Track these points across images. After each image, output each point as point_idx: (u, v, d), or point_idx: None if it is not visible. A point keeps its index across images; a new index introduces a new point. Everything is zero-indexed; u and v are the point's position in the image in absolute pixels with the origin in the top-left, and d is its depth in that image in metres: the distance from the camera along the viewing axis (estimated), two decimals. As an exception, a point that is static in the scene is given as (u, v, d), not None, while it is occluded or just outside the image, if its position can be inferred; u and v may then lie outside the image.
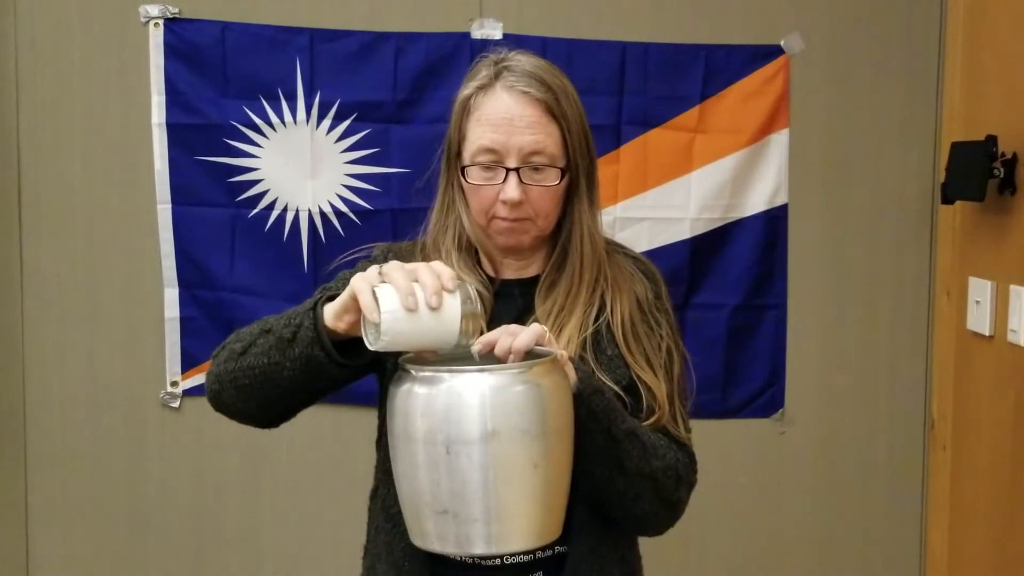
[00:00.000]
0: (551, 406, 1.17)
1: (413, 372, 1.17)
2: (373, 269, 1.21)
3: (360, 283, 1.19)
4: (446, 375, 1.15)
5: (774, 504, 2.72)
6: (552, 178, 1.40)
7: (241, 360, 1.31)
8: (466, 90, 1.43)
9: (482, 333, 1.29)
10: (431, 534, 1.18)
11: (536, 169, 1.39)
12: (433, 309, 1.16)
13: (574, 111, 1.42)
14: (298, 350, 1.26)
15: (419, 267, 1.19)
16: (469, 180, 1.41)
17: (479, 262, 1.49)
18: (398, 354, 1.41)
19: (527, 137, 1.37)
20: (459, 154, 1.44)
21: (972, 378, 2.26)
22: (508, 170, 1.38)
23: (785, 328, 2.68)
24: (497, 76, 1.41)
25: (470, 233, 1.47)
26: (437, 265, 1.20)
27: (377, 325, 1.16)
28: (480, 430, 1.12)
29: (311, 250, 2.62)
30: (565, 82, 1.43)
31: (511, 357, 1.19)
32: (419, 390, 1.16)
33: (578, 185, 1.45)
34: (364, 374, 1.42)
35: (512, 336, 1.20)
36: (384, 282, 1.19)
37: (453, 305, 1.18)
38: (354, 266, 1.51)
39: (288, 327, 1.27)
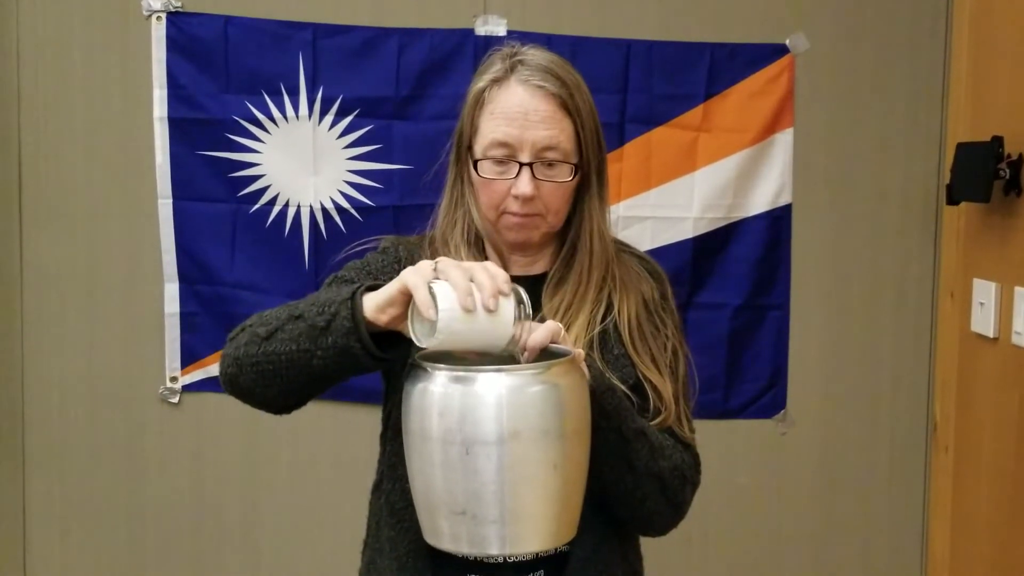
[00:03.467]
0: (570, 406, 1.16)
1: (429, 370, 1.16)
2: (427, 264, 1.17)
3: (414, 278, 1.15)
4: (463, 374, 1.13)
5: (775, 505, 2.71)
6: (565, 174, 1.39)
7: (265, 345, 1.26)
8: (480, 83, 1.42)
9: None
10: (445, 533, 1.17)
11: (549, 165, 1.38)
12: (490, 311, 1.14)
13: (587, 107, 1.42)
14: (331, 339, 1.20)
15: (475, 267, 1.16)
16: (481, 174, 1.40)
17: (486, 258, 1.48)
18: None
19: (541, 132, 1.36)
20: (470, 147, 1.43)
21: (976, 380, 2.24)
22: (521, 165, 1.37)
23: (788, 329, 2.67)
24: (512, 69, 1.40)
25: (479, 227, 1.46)
26: (491, 266, 1.17)
27: (431, 323, 1.13)
28: (498, 431, 1.11)
29: (312, 246, 2.61)
30: (578, 78, 1.43)
31: (526, 354, 1.18)
32: (435, 389, 1.14)
33: (589, 182, 1.44)
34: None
35: (527, 333, 1.19)
36: (438, 279, 1.16)
37: (508, 308, 1.15)
38: (362, 258, 1.49)
39: (322, 315, 1.21)
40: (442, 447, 1.13)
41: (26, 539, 2.70)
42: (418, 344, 1.16)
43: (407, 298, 1.16)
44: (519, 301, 1.17)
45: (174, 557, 2.70)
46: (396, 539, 1.40)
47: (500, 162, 1.38)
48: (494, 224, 1.43)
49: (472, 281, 1.14)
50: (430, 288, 1.14)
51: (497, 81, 1.40)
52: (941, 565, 2.42)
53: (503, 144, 1.37)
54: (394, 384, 1.42)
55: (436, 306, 1.13)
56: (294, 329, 1.24)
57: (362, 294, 1.21)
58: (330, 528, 2.67)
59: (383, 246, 1.52)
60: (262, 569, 2.72)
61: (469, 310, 1.13)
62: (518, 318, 1.16)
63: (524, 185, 1.36)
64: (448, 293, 1.13)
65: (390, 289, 1.18)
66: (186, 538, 2.70)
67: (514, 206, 1.38)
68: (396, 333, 1.20)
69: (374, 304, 1.19)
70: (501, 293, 1.14)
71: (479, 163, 1.40)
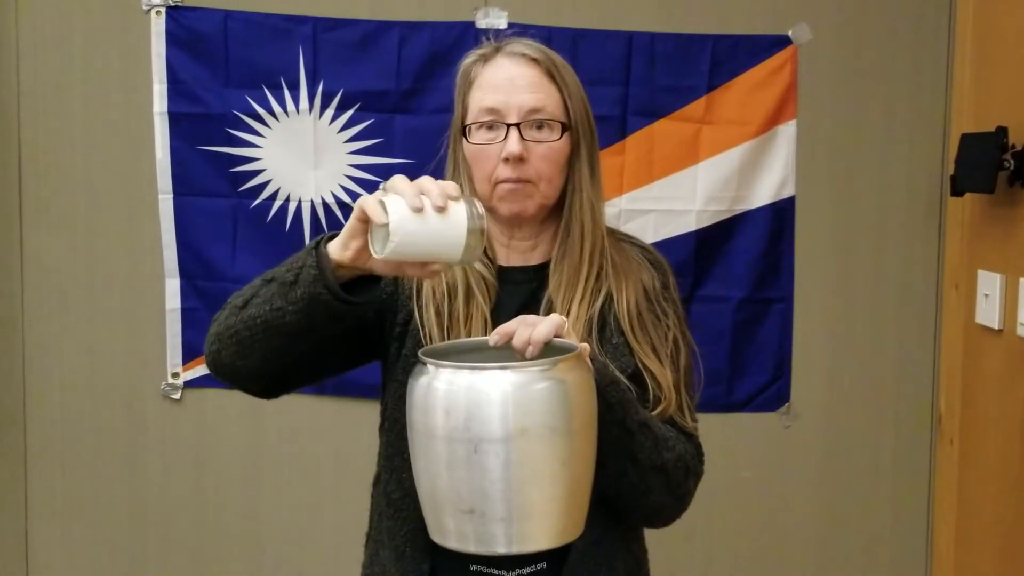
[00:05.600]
0: (577, 402, 1.15)
1: (433, 366, 1.15)
2: (378, 191, 1.20)
3: (366, 199, 1.18)
4: (467, 372, 1.12)
5: (779, 498, 2.70)
6: (554, 135, 1.40)
7: (242, 313, 1.28)
8: (467, 60, 1.46)
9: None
10: (451, 532, 1.16)
11: (538, 128, 1.39)
12: (440, 210, 1.15)
13: (574, 82, 1.44)
14: (300, 291, 1.22)
15: (423, 179, 1.19)
16: (471, 141, 1.41)
17: (488, 249, 1.47)
18: (401, 342, 1.39)
19: (527, 95, 1.39)
20: (464, 128, 1.44)
21: (980, 372, 2.23)
22: (509, 126, 1.38)
23: (791, 321, 2.66)
24: (498, 49, 1.44)
25: None
26: (442, 181, 1.20)
27: (386, 231, 1.15)
28: (504, 428, 1.10)
29: (313, 241, 2.60)
30: (565, 62, 1.45)
31: (530, 349, 1.17)
32: (439, 386, 1.13)
33: (579, 152, 1.44)
34: (367, 333, 1.41)
35: (531, 327, 1.18)
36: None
37: (459, 211, 1.17)
38: None
39: (290, 271, 1.23)
40: (448, 445, 1.12)
41: (28, 534, 2.69)
42: (376, 256, 1.17)
43: (365, 224, 1.18)
44: (473, 211, 1.18)
45: (176, 553, 2.70)
46: (394, 529, 1.41)
47: (490, 128, 1.40)
48: (489, 199, 1.42)
49: (421, 192, 1.17)
50: (381, 202, 1.16)
51: (484, 57, 1.44)
52: (946, 558, 2.41)
53: (491, 110, 1.39)
54: (389, 375, 1.43)
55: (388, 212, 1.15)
56: (267, 292, 1.26)
57: (326, 242, 1.23)
58: (331, 522, 2.66)
59: None
60: (264, 563, 2.71)
61: (418, 209, 1.15)
62: (472, 220, 1.17)
63: (513, 144, 1.37)
64: (398, 201, 1.16)
65: (349, 221, 1.20)
66: (188, 534, 2.70)
67: (505, 171, 1.39)
68: (365, 279, 1.22)
69: (338, 243, 1.22)
70: (450, 197, 1.17)
71: (470, 131, 1.42)
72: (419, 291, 1.42)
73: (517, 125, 1.38)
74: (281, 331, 1.25)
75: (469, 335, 1.37)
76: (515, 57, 1.41)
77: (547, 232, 1.47)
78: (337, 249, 1.21)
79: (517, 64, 1.41)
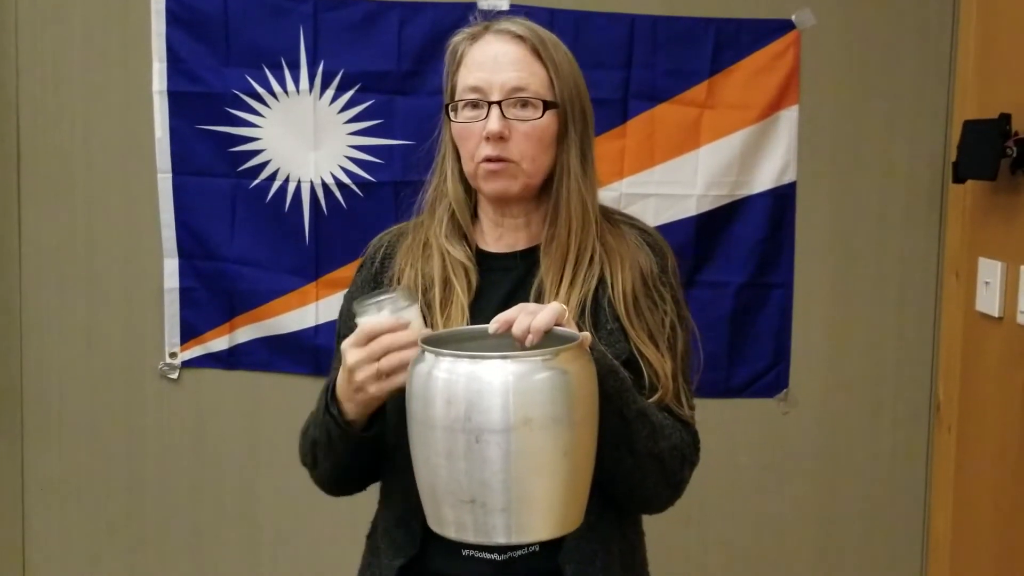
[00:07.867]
0: (579, 393, 1.13)
1: (432, 355, 1.13)
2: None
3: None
4: (468, 361, 1.11)
5: (776, 485, 2.70)
6: (536, 114, 1.38)
7: (315, 471, 1.45)
8: (456, 38, 1.44)
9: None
10: (450, 522, 1.15)
11: (521, 106, 1.38)
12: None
13: (564, 61, 1.41)
14: (340, 446, 1.34)
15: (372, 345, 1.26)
16: (455, 119, 1.40)
17: (467, 243, 1.46)
18: None
19: (511, 73, 1.37)
20: (449, 107, 1.43)
21: (980, 360, 2.23)
22: (490, 104, 1.37)
23: (791, 307, 2.65)
24: (487, 28, 1.42)
25: (453, 202, 1.45)
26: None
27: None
28: (505, 419, 1.09)
29: (312, 222, 2.59)
30: (556, 38, 1.43)
31: (530, 337, 1.15)
32: (439, 374, 1.12)
33: (567, 132, 1.41)
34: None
35: (531, 315, 1.17)
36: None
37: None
38: (360, 269, 1.52)
39: (322, 433, 1.36)
40: (448, 435, 1.11)
41: (25, 514, 2.70)
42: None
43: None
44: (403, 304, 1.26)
45: (173, 534, 2.70)
46: (387, 515, 1.42)
47: (474, 106, 1.39)
48: (473, 179, 1.41)
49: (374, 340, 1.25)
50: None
51: (472, 36, 1.42)
52: (942, 544, 2.42)
53: (474, 88, 1.38)
54: None
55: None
56: (321, 453, 1.40)
57: (332, 398, 1.32)
58: (329, 503, 2.65)
59: (368, 253, 1.53)
60: (261, 545, 2.71)
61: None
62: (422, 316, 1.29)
63: (493, 122, 1.36)
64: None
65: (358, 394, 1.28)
66: (185, 515, 2.70)
67: (486, 149, 1.37)
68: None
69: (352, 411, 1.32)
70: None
71: (454, 110, 1.41)
72: None
73: (499, 103, 1.36)
74: (354, 466, 1.42)
75: (447, 325, 1.36)
76: (501, 35, 1.40)
77: (538, 214, 1.45)
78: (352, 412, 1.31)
79: (503, 42, 1.39)
